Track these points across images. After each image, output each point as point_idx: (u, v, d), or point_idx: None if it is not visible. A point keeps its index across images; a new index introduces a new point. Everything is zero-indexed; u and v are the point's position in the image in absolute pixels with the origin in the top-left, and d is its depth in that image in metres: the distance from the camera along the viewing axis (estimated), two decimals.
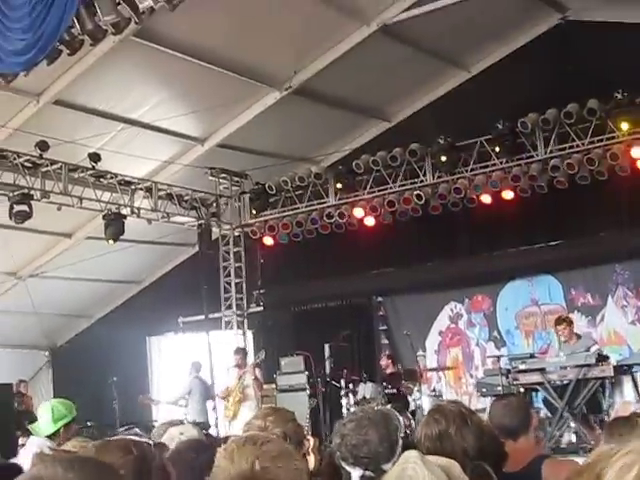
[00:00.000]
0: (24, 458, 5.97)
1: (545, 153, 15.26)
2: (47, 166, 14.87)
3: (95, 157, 15.03)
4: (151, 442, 2.28)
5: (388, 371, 16.17)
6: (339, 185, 17.13)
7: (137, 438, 2.29)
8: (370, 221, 16.95)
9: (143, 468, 2.21)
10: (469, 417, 3.99)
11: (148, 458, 2.21)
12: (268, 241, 18.16)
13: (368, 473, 3.42)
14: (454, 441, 3.81)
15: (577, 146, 15.00)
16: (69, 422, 6.83)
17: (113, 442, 2.36)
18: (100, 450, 2.35)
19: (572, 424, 12.75)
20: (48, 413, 6.76)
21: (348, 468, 3.47)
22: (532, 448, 5.15)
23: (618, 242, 15.78)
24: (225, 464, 2.65)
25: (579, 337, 13.76)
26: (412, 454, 2.87)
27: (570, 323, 13.83)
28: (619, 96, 14.31)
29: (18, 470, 4.20)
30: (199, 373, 16.62)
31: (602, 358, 12.84)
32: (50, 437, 6.68)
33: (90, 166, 15.21)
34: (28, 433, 7.46)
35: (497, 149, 15.58)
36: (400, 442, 3.54)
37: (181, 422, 6.29)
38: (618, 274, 16.46)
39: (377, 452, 3.44)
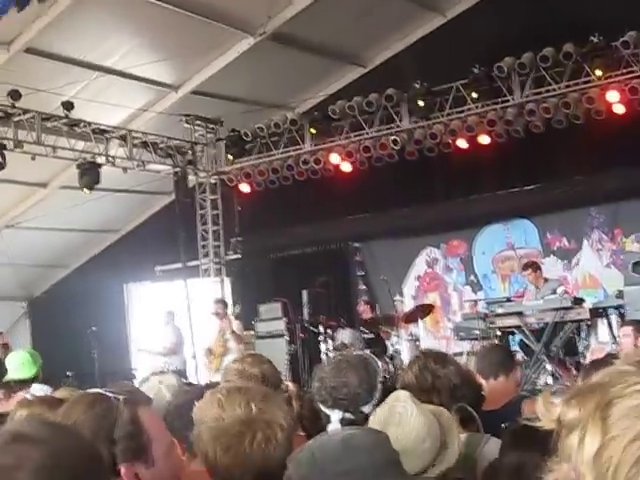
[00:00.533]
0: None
1: (521, 97, 15.22)
2: (19, 115, 14.71)
3: (68, 105, 14.88)
4: (120, 397, 2.24)
5: (366, 316, 16.24)
6: (314, 131, 17.06)
7: (109, 393, 2.27)
8: (346, 167, 16.91)
9: (104, 424, 2.19)
10: (447, 355, 4.08)
11: (111, 415, 2.20)
12: (244, 188, 18.11)
13: (347, 415, 3.44)
14: (434, 369, 3.88)
15: (553, 90, 14.96)
16: (41, 365, 6.83)
17: (83, 397, 2.35)
18: (70, 405, 2.35)
19: (548, 366, 12.87)
20: (24, 356, 6.73)
21: (327, 411, 3.50)
22: (512, 389, 5.24)
23: (593, 186, 15.82)
24: (215, 412, 2.66)
25: (546, 280, 13.85)
26: (402, 393, 2.92)
27: (536, 268, 13.90)
28: (595, 40, 14.25)
29: None
30: (174, 322, 16.60)
31: (578, 301, 12.96)
32: (34, 379, 6.66)
33: (63, 115, 15.07)
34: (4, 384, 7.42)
35: (473, 94, 15.53)
36: (379, 386, 3.57)
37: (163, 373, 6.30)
38: (593, 218, 16.53)
39: (356, 394, 3.47)
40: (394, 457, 2.38)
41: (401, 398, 2.93)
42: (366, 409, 3.42)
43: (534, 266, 13.98)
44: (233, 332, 15.51)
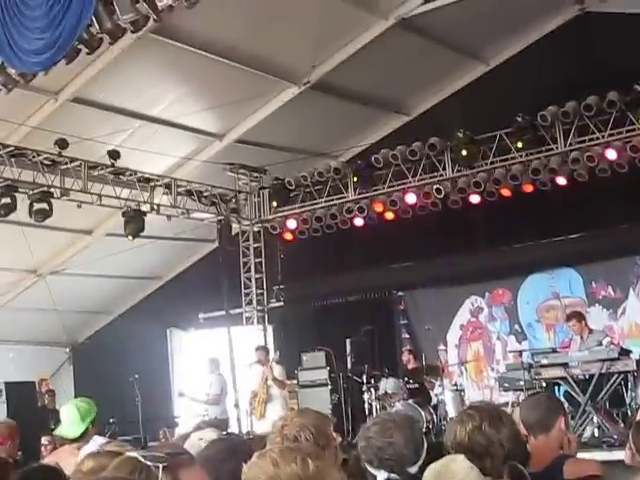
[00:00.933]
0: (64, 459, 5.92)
1: (565, 146, 15.17)
2: (66, 164, 14.88)
3: (114, 154, 15.03)
4: (160, 465, 2.18)
5: (410, 366, 16.13)
6: (358, 180, 17.07)
7: (148, 458, 2.20)
8: (389, 215, 16.90)
9: None
10: (502, 413, 3.99)
11: None
12: (288, 236, 18.14)
13: (393, 476, 3.40)
14: (488, 434, 3.80)
15: (597, 138, 14.90)
16: (95, 417, 6.78)
17: (122, 465, 2.30)
18: (109, 474, 2.32)
19: (595, 418, 12.67)
20: (74, 413, 6.66)
21: (373, 471, 3.46)
22: (552, 448, 5.09)
23: (639, 234, 15.68)
24: (270, 470, 2.59)
25: (591, 331, 13.65)
26: (459, 457, 2.88)
27: (581, 319, 13.70)
28: (639, 88, 14.19)
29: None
30: (219, 371, 16.61)
31: (624, 352, 12.77)
32: (81, 437, 6.60)
33: (109, 163, 15.21)
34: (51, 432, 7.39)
35: (517, 142, 15.49)
36: (425, 445, 3.53)
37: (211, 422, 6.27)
38: (639, 266, 16.37)
39: (402, 454, 3.42)
40: None
41: (458, 459, 2.89)
42: (412, 469, 3.38)
43: (578, 316, 13.79)
44: (275, 379, 15.46)
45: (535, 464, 4.33)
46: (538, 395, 5.79)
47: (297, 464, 2.54)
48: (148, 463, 2.16)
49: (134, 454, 2.21)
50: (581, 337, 13.45)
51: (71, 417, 6.64)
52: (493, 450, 3.74)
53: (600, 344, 12.96)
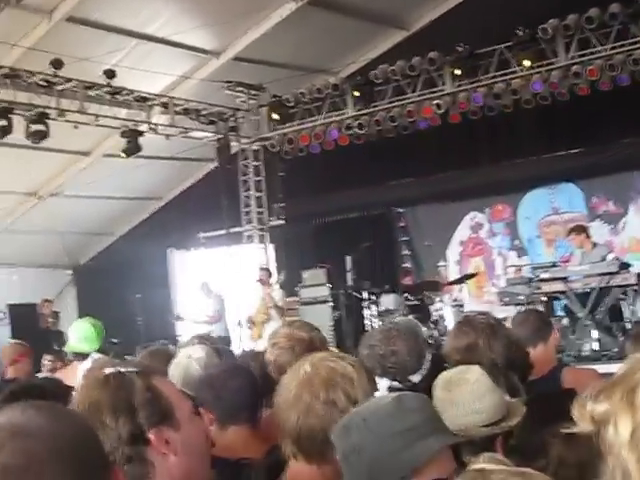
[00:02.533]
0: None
1: (566, 59, 15.02)
2: (62, 84, 14.76)
3: (110, 74, 14.91)
4: (133, 369, 2.22)
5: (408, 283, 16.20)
6: (357, 95, 16.93)
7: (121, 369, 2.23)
8: (389, 131, 16.80)
9: (121, 396, 2.17)
10: (498, 328, 3.99)
11: (127, 387, 2.18)
12: (286, 154, 18.07)
13: (395, 383, 3.42)
14: (482, 352, 3.81)
15: (598, 52, 14.74)
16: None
17: (96, 378, 2.32)
18: (84, 387, 2.33)
19: (594, 332, 12.75)
20: (89, 329, 6.71)
21: (375, 379, 3.48)
22: (550, 358, 5.17)
23: (639, 149, 15.62)
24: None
25: (595, 245, 13.62)
26: (475, 367, 2.92)
27: (582, 231, 13.61)
28: None
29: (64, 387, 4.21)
30: (213, 292, 16.64)
31: (624, 266, 12.79)
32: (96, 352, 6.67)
33: (105, 83, 15.09)
34: (56, 352, 7.44)
35: (517, 56, 15.33)
36: (427, 355, 3.54)
37: (207, 337, 6.31)
38: (639, 181, 16.35)
39: (405, 362, 3.44)
40: (439, 416, 2.40)
41: (473, 368, 2.94)
42: (414, 378, 3.40)
43: (579, 229, 13.71)
44: (275, 305, 15.55)
45: (535, 372, 4.37)
46: (525, 311, 5.86)
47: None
48: (121, 369, 2.19)
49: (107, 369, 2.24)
50: (584, 250, 13.40)
51: (86, 333, 6.68)
52: (484, 368, 3.77)
53: (604, 259, 12.97)
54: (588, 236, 13.50)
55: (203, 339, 5.92)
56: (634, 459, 1.25)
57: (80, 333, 6.74)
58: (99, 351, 6.64)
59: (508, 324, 5.25)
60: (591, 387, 1.38)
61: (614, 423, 1.29)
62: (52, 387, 4.14)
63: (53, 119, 14.75)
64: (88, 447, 1.55)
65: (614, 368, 1.45)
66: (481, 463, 1.87)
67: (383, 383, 3.43)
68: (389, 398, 2.29)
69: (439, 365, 3.56)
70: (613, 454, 1.28)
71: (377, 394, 3.42)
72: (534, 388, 3.88)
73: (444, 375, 3.07)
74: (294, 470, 2.63)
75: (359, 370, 2.63)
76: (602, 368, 6.32)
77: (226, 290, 16.89)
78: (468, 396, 2.91)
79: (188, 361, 4.43)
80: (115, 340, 15.89)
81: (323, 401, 2.52)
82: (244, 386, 3.68)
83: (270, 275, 16.25)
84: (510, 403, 3.12)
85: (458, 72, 15.83)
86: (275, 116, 17.94)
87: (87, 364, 6.40)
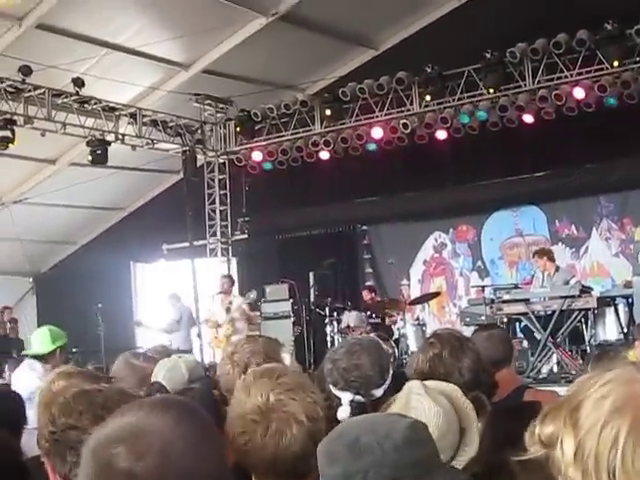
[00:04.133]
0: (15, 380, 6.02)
1: (533, 83, 15.16)
2: (30, 91, 14.70)
3: (79, 82, 14.86)
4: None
5: (370, 302, 16.21)
6: (326, 113, 16.97)
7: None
8: (356, 149, 16.85)
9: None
10: (464, 342, 4.02)
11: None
12: (253, 169, 18.06)
13: (358, 397, 3.43)
14: (448, 363, 3.84)
15: (565, 77, 14.90)
16: (63, 345, 6.86)
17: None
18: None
19: (554, 354, 12.86)
20: (45, 335, 6.78)
21: (338, 393, 3.48)
22: (513, 379, 5.20)
23: (603, 174, 15.80)
24: (241, 397, 2.67)
25: (557, 269, 13.76)
26: (415, 384, 2.86)
27: (548, 255, 13.77)
28: (609, 27, 14.16)
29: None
30: (179, 303, 16.61)
31: (585, 290, 12.91)
32: (44, 357, 6.69)
33: (74, 91, 15.04)
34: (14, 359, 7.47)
35: (485, 78, 15.44)
36: (390, 370, 3.55)
37: (167, 348, 6.31)
38: (602, 206, 16.51)
39: (368, 376, 3.44)
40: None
41: (414, 390, 2.87)
42: (377, 392, 3.41)
43: (548, 253, 13.90)
44: (248, 318, 15.51)
45: (498, 393, 4.39)
46: (490, 328, 5.86)
47: (262, 396, 2.60)
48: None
49: None
50: (548, 274, 13.53)
51: (41, 337, 6.76)
52: (452, 379, 3.78)
53: (567, 283, 13.08)
54: (552, 260, 13.65)
55: (161, 353, 5.91)
56: (580, 476, 1.27)
57: (37, 337, 6.82)
58: (52, 353, 6.70)
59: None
60: (540, 396, 1.41)
61: (560, 444, 1.31)
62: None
63: (20, 126, 14.67)
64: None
65: None
66: None
67: (346, 397, 3.44)
68: (402, 423, 2.20)
69: (401, 381, 3.57)
70: (562, 475, 1.30)
71: (340, 409, 3.43)
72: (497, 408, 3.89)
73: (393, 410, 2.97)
74: None
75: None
76: (561, 390, 6.38)
77: (189, 302, 16.82)
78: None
79: (177, 361, 4.44)
80: (75, 349, 15.81)
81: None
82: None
83: (233, 283, 16.21)
84: (465, 428, 3.05)
85: (428, 97, 15.88)
86: (242, 130, 17.93)
87: (22, 368, 6.51)
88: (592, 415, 1.28)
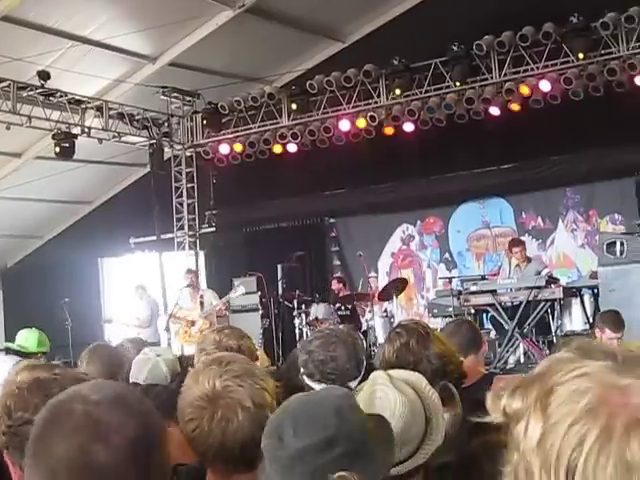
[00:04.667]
0: None
1: (500, 76, 15.22)
2: None
3: (44, 75, 14.75)
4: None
5: (340, 294, 16.25)
6: (293, 105, 16.95)
7: None
8: (323, 142, 16.86)
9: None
10: (430, 331, 4.05)
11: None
12: (220, 162, 18.02)
13: None
14: (416, 351, 3.85)
15: (531, 69, 14.98)
16: (45, 353, 6.89)
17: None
18: None
19: (521, 345, 12.96)
20: (33, 335, 6.78)
21: (313, 385, 3.48)
22: (481, 366, 5.26)
23: (569, 166, 15.90)
24: (190, 384, 2.67)
25: (529, 260, 13.90)
26: (379, 375, 2.85)
27: (524, 246, 13.98)
28: (575, 20, 14.24)
29: None
30: (146, 294, 16.55)
31: (552, 280, 13.03)
32: (24, 355, 6.68)
33: (39, 84, 14.94)
34: None
35: (452, 71, 15.49)
36: (364, 362, 3.56)
37: (138, 341, 6.31)
38: (569, 198, 16.64)
39: (344, 369, 3.45)
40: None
41: (378, 381, 2.85)
42: (353, 384, 3.41)
43: (523, 243, 14.11)
44: (220, 310, 15.49)
45: (466, 380, 4.43)
46: (457, 320, 5.93)
47: (209, 383, 2.61)
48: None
49: None
50: (517, 265, 13.65)
51: (29, 336, 6.75)
52: (421, 367, 3.80)
53: (539, 274, 13.18)
54: (524, 250, 13.80)
55: (135, 343, 5.91)
56: (538, 464, 1.24)
57: (25, 335, 6.84)
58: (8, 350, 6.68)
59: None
60: (510, 380, 1.41)
61: (525, 424, 1.28)
62: None
63: None
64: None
65: None
66: None
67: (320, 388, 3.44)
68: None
69: (369, 373, 3.58)
70: (519, 452, 1.28)
71: None
72: (466, 395, 3.91)
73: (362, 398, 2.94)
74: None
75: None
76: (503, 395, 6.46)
77: (156, 296, 16.79)
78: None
79: (157, 360, 4.44)
80: None
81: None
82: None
83: (198, 276, 16.18)
84: (430, 417, 3.04)
85: (397, 91, 15.90)
86: (209, 123, 17.88)
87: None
88: (564, 407, 1.25)
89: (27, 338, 6.74)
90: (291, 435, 2.07)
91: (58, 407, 1.69)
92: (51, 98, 15.55)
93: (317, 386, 3.44)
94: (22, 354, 6.72)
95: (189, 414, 2.61)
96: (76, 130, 16.19)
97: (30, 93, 15.16)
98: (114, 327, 16.70)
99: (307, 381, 3.51)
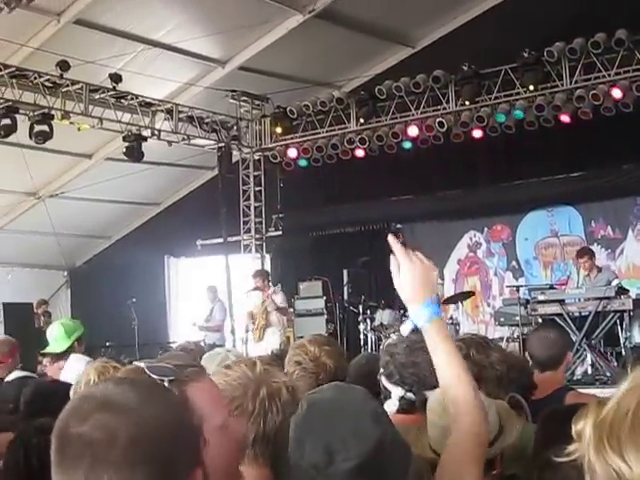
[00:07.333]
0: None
1: (570, 83, 15.06)
2: (68, 86, 14.77)
3: (116, 78, 14.92)
4: (166, 379, 2.07)
5: None
6: (361, 110, 16.95)
7: (154, 371, 2.08)
8: (391, 148, 16.82)
9: None
10: (488, 341, 4.03)
11: None
12: (288, 165, 18.07)
13: (409, 395, 3.42)
14: (477, 360, 3.82)
15: (603, 77, 14.79)
16: (81, 336, 6.80)
17: (128, 379, 2.22)
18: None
19: (588, 356, 12.77)
20: (59, 329, 6.72)
21: (389, 386, 3.47)
22: (557, 381, 5.17)
23: None
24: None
25: (600, 270, 13.69)
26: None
27: (592, 256, 13.75)
28: None
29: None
30: (216, 297, 16.68)
31: (622, 291, 12.82)
32: (66, 352, 6.64)
33: (111, 87, 15.11)
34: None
35: (522, 77, 15.36)
36: None
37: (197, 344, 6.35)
38: (639, 207, 16.38)
39: (424, 376, 3.42)
40: None
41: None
42: (429, 394, 3.40)
43: (590, 252, 13.87)
44: (278, 308, 15.48)
45: (537, 393, 4.38)
46: (547, 330, 5.79)
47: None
48: (154, 376, 2.04)
49: (141, 364, 2.11)
50: (587, 274, 13.45)
51: (55, 334, 6.70)
52: (485, 374, 3.78)
53: (609, 283, 12.98)
54: (594, 260, 13.60)
55: (197, 345, 5.94)
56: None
57: (51, 334, 6.78)
58: (69, 350, 6.65)
59: (503, 344, 5.28)
60: (583, 399, 1.40)
61: (626, 457, 1.28)
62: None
63: (57, 120, 14.76)
64: (174, 441, 1.54)
65: (607, 393, 1.45)
66: None
67: (396, 392, 3.43)
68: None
69: None
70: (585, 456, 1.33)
71: (388, 402, 3.43)
72: (537, 409, 3.86)
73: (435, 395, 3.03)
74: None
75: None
76: (595, 392, 6.34)
77: (222, 298, 16.90)
78: None
79: (227, 354, 4.46)
80: (108, 343, 15.92)
81: None
82: None
83: (267, 277, 16.15)
84: (505, 420, 3.09)
85: (462, 91, 15.83)
86: (278, 128, 17.95)
87: (69, 364, 6.45)
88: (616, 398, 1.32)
89: (55, 338, 6.71)
90: (343, 456, 2.14)
91: None
92: (122, 100, 15.74)
93: (393, 388, 3.44)
94: (61, 354, 6.66)
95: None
96: (146, 132, 16.35)
97: (102, 95, 15.36)
98: (183, 329, 16.84)
99: (384, 382, 3.51)
